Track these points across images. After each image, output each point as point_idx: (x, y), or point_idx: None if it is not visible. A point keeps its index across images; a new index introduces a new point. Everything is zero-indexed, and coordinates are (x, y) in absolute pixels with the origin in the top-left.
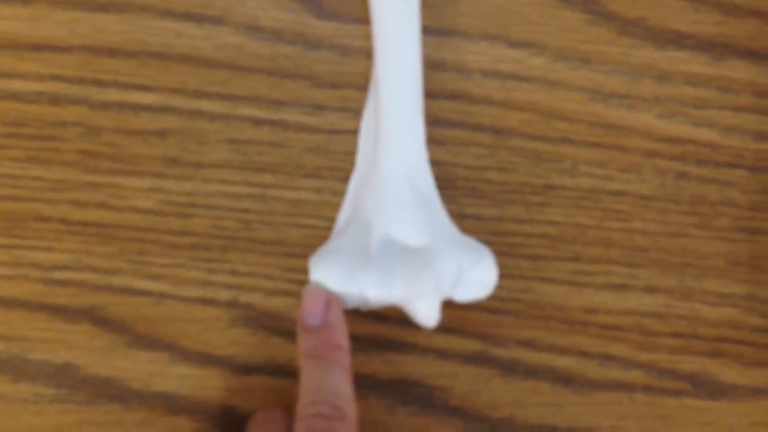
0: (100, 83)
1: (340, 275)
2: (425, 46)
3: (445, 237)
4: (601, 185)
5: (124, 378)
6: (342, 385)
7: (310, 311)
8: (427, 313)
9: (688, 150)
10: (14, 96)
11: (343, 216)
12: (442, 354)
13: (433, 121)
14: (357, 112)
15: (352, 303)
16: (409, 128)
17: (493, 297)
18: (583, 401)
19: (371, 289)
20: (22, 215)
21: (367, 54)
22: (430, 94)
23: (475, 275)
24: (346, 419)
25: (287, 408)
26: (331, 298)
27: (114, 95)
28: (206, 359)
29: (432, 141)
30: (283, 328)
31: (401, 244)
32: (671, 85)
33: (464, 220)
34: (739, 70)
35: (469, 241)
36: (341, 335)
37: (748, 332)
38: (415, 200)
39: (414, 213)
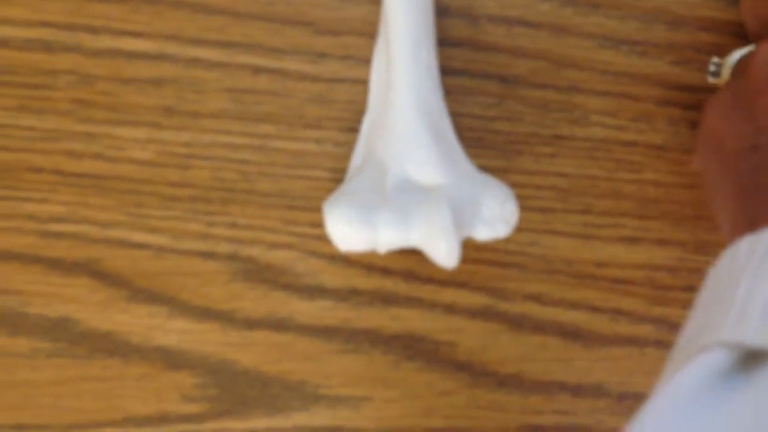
0: (91, 30)
1: (356, 217)
2: None
3: (462, 174)
4: (613, 135)
5: (124, 332)
6: None
7: None
8: (447, 253)
9: (702, 98)
10: (4, 43)
11: (356, 159)
12: (449, 308)
13: None
14: (359, 60)
15: (368, 245)
16: (421, 63)
17: (500, 250)
18: (592, 357)
19: (388, 229)
20: (14, 166)
21: None
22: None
23: (495, 213)
24: None
25: None
26: None
27: (107, 42)
28: (207, 313)
29: None
30: (285, 281)
31: (417, 183)
32: (684, 30)
33: None
34: None
35: (488, 179)
36: None
37: None
38: (430, 137)
39: (429, 150)
